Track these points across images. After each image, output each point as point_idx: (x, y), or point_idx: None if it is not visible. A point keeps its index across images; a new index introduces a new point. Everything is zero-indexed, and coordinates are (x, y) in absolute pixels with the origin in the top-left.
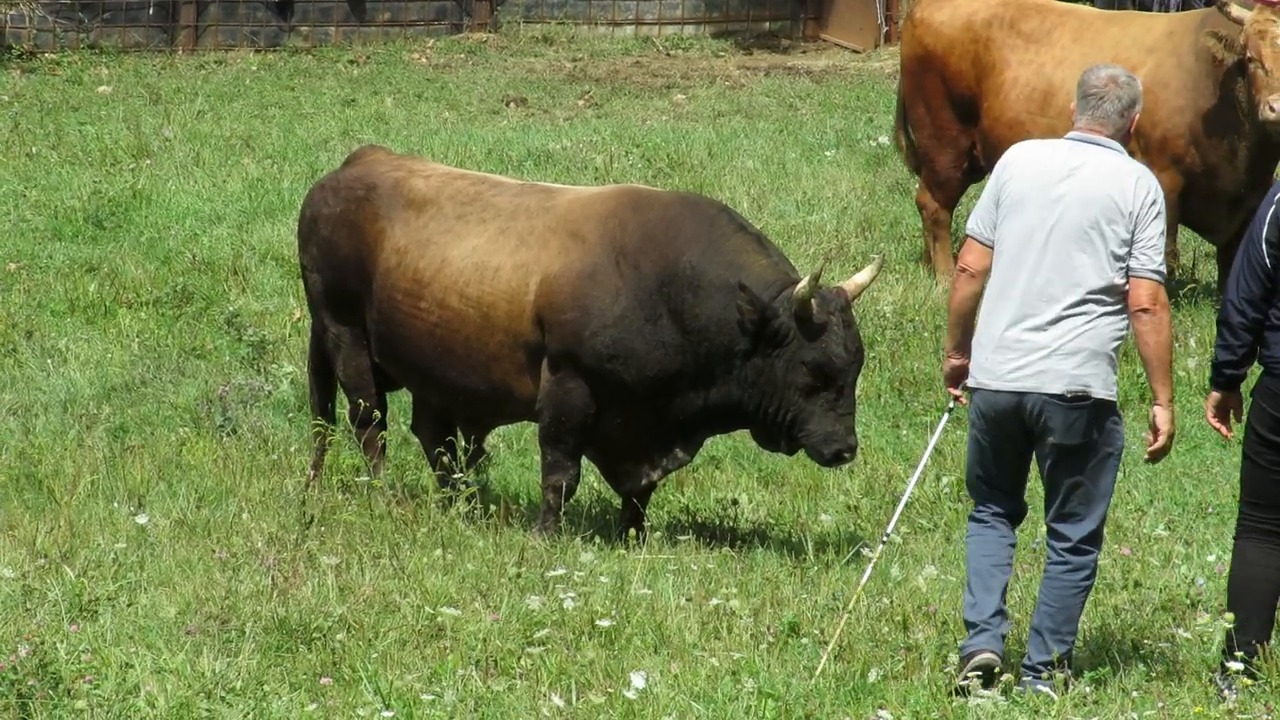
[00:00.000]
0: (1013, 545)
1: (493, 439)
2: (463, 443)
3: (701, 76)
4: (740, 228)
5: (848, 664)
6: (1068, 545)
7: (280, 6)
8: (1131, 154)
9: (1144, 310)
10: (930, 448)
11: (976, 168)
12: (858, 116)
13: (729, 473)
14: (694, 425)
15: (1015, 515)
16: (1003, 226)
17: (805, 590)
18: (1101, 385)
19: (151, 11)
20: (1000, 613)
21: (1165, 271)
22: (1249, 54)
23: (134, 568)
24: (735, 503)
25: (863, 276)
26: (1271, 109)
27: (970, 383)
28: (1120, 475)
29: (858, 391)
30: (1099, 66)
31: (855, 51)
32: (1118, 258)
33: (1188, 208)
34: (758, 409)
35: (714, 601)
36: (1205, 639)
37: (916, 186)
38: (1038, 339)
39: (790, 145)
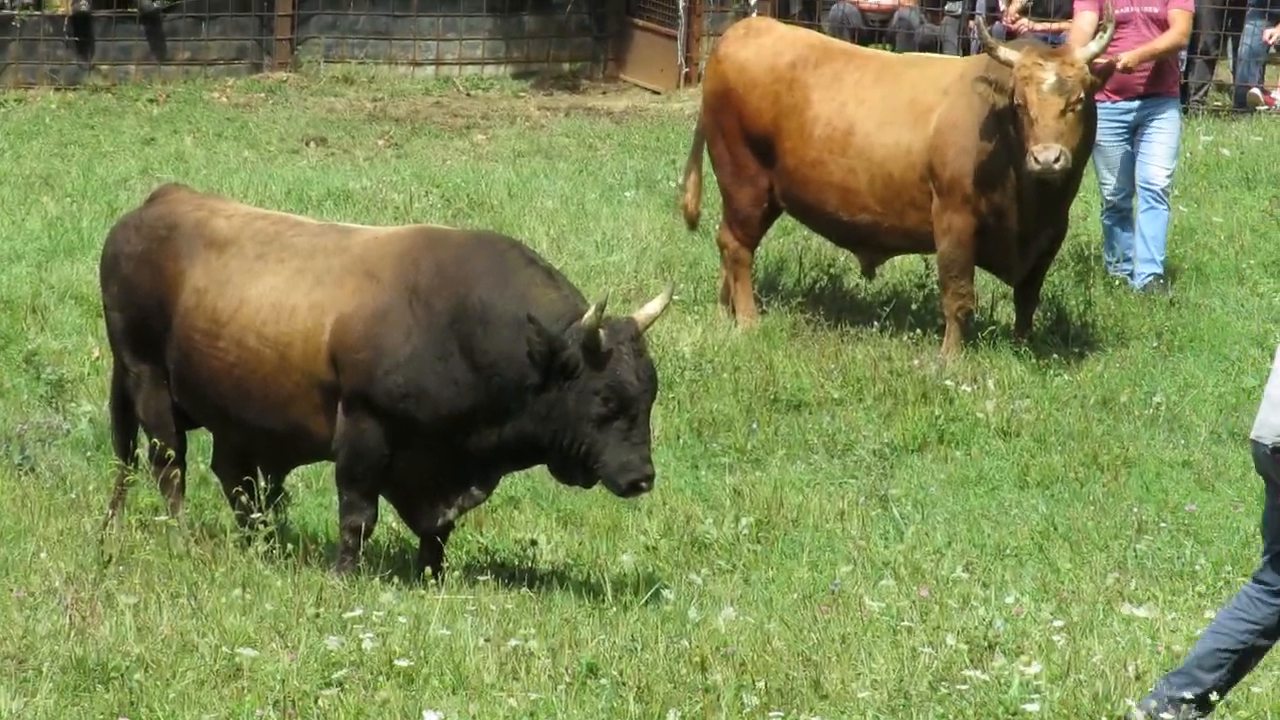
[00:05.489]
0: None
1: (291, 478)
2: (261, 482)
3: (502, 117)
4: (530, 262)
5: (646, 705)
6: None
7: (80, 45)
8: (928, 195)
9: None
10: None
11: (775, 207)
12: (658, 157)
13: (528, 513)
14: (490, 462)
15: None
16: None
17: (604, 631)
18: None
19: None
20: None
21: None
22: (1018, 99)
23: None
24: (534, 543)
25: (653, 306)
26: (1036, 160)
27: None
28: (918, 517)
29: (656, 432)
30: None
31: (655, 93)
32: None
33: (981, 248)
34: (552, 442)
35: (512, 642)
36: (1003, 681)
37: (718, 225)
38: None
39: (590, 186)
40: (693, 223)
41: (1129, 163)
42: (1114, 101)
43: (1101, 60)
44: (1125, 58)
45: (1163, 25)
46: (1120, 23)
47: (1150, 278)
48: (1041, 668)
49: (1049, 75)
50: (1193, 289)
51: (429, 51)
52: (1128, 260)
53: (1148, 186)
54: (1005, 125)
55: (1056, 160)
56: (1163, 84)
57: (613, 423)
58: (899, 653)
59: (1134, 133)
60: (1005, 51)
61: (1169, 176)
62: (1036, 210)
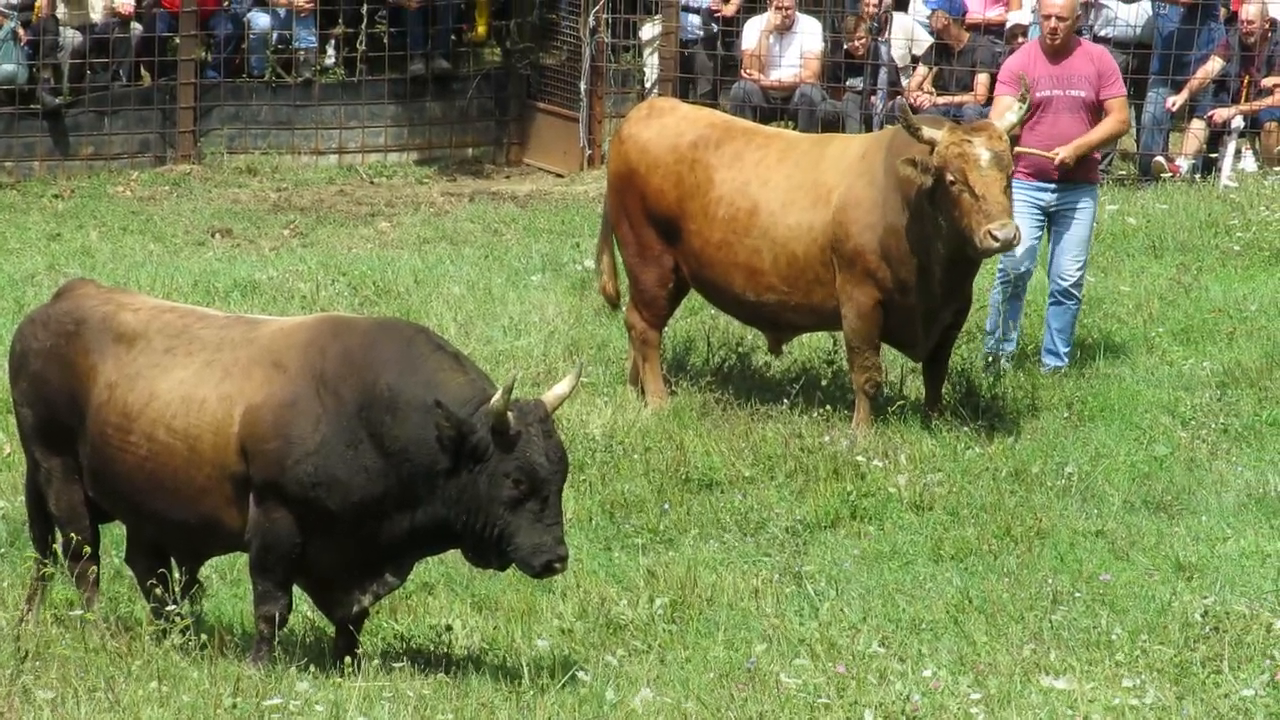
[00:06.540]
0: None
1: (206, 569)
2: (176, 574)
3: (406, 204)
4: (438, 347)
5: None
6: None
7: None
8: (832, 272)
9: None
10: None
11: (682, 287)
12: (563, 240)
13: (442, 599)
14: (403, 548)
15: None
16: None
17: (521, 714)
18: None
19: None
20: None
21: None
22: (950, 177)
23: None
24: (449, 628)
25: (562, 387)
26: (994, 237)
27: None
28: (832, 593)
29: (568, 514)
30: None
31: (559, 175)
32: None
33: (886, 324)
34: (465, 526)
35: None
36: None
37: (625, 306)
38: None
39: (496, 270)
40: (613, 303)
41: (1035, 241)
42: (1032, 182)
43: (1046, 156)
44: (1064, 153)
45: (1091, 110)
46: (1039, 106)
47: (1052, 370)
48: None
49: (983, 151)
50: (1102, 359)
51: (331, 140)
52: (1009, 341)
53: (1059, 280)
54: (918, 201)
55: (1013, 237)
56: (1081, 170)
57: (524, 504)
58: None
59: (1048, 217)
60: (929, 131)
61: (1080, 270)
62: (941, 285)
